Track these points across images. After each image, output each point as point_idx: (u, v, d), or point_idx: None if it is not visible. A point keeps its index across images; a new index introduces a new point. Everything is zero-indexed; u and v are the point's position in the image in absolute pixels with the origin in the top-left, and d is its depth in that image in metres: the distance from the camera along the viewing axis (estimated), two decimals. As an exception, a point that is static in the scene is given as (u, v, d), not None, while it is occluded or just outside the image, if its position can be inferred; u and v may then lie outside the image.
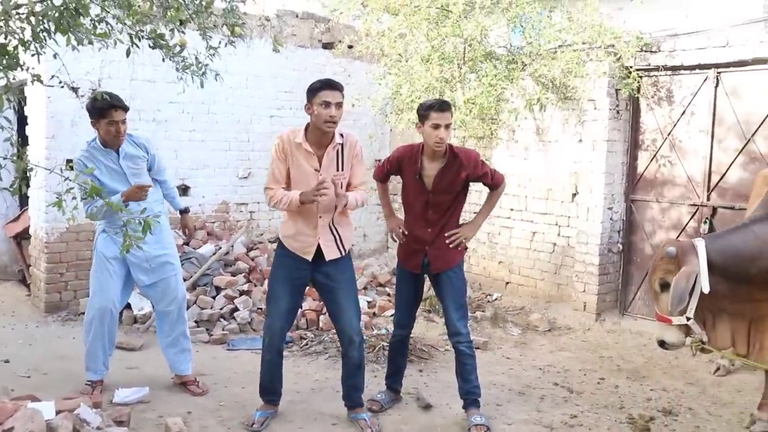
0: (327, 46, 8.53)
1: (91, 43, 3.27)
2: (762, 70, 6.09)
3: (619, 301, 7.28)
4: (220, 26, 3.88)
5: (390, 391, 4.71)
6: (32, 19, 2.91)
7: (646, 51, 6.70)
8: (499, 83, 6.67)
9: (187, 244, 7.19)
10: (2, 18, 2.46)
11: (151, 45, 3.65)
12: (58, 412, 3.59)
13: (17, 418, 3.31)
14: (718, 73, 6.42)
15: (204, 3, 3.60)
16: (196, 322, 6.24)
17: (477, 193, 7.15)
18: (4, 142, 3.12)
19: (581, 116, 7.20)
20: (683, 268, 3.97)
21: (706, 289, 3.93)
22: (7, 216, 7.96)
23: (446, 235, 4.31)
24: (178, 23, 3.51)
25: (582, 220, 7.22)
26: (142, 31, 3.57)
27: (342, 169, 4.07)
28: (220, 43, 4.04)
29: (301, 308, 6.47)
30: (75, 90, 3.81)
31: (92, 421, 3.66)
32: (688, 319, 4.04)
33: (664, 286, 4.09)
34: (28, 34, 3.02)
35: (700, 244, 4.04)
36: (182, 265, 6.68)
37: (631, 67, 6.70)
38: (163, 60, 3.75)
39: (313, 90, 3.97)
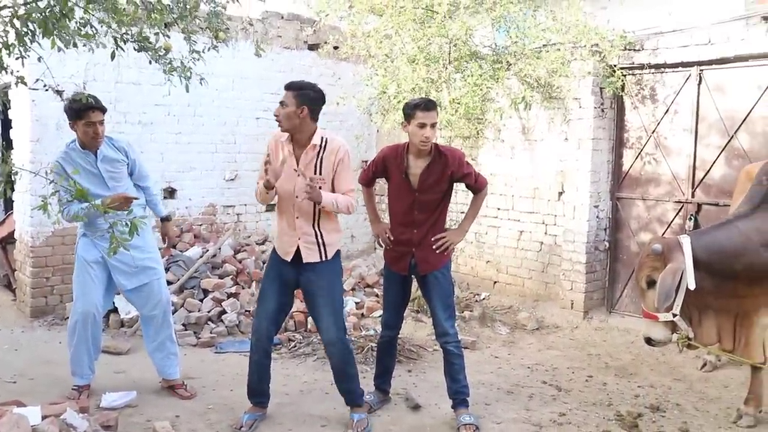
0: (313, 47, 8.53)
1: (75, 45, 3.26)
2: (744, 67, 6.15)
3: (607, 299, 7.32)
4: (205, 30, 3.87)
5: (379, 391, 4.71)
6: (16, 21, 2.89)
7: (629, 49, 6.75)
8: (484, 83, 6.68)
9: (174, 246, 7.17)
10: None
11: (137, 48, 3.64)
12: (44, 417, 3.57)
13: (3, 423, 3.28)
14: (700, 70, 6.47)
15: (188, 7, 3.59)
16: (183, 325, 6.23)
17: (464, 193, 7.17)
18: (-11, 145, 3.10)
19: (567, 115, 7.24)
20: (669, 265, 4.00)
21: (692, 286, 3.97)
22: (-8, 221, 7.90)
23: (433, 239, 4.32)
24: (163, 26, 3.50)
25: (568, 218, 7.26)
26: (127, 34, 3.56)
27: (320, 173, 4.03)
28: (204, 47, 4.03)
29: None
30: (59, 93, 3.79)
31: (79, 426, 3.64)
32: (675, 315, 4.08)
33: (651, 283, 4.13)
34: (12, 38, 3.01)
35: (686, 241, 4.09)
36: (169, 268, 6.69)
37: (615, 65, 6.75)
38: (150, 62, 3.74)
39: None
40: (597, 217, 7.17)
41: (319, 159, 4.05)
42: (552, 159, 7.50)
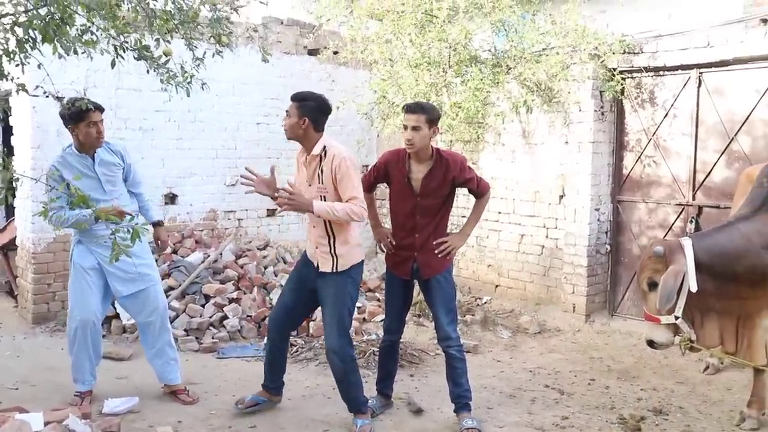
0: (312, 52, 8.53)
1: (76, 52, 3.26)
2: (743, 70, 6.15)
3: (608, 302, 7.31)
4: (207, 36, 3.87)
5: (381, 396, 4.70)
6: (17, 28, 2.90)
7: (629, 53, 6.75)
8: (484, 87, 6.69)
9: (175, 252, 7.17)
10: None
11: (136, 56, 3.63)
12: (46, 424, 3.57)
13: (5, 429, 3.28)
14: (700, 73, 6.47)
15: (190, 13, 3.59)
16: (185, 330, 6.22)
17: (465, 197, 7.17)
18: (-10, 152, 3.10)
19: (567, 119, 7.25)
20: (671, 267, 4.00)
21: (694, 288, 3.96)
22: (-7, 227, 7.90)
23: (435, 243, 4.32)
24: (165, 33, 3.50)
25: (569, 221, 7.25)
26: (127, 42, 3.56)
27: (322, 182, 4.09)
28: (205, 53, 4.03)
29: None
30: (60, 99, 3.78)
31: (82, 432, 3.64)
32: (677, 318, 4.07)
33: (652, 286, 4.12)
34: (12, 44, 3.01)
35: (687, 244, 4.08)
36: (171, 273, 6.69)
37: (614, 69, 6.75)
38: (148, 71, 3.74)
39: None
40: (598, 220, 7.16)
41: (320, 168, 4.09)
42: (552, 162, 7.50)
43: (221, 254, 7.21)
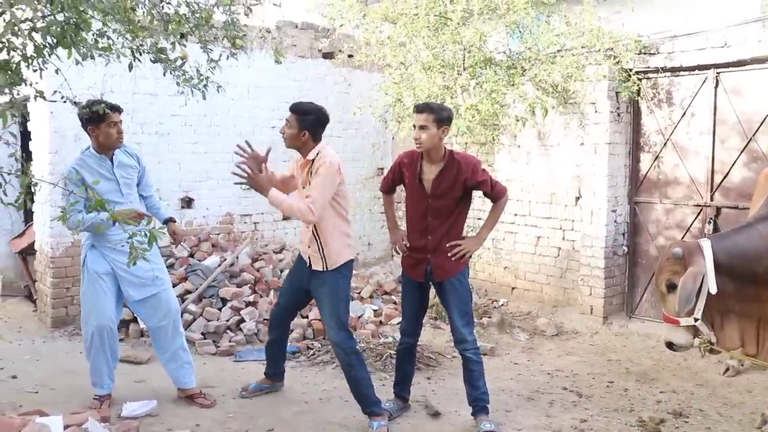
0: (327, 55, 8.54)
1: (92, 57, 3.27)
2: (761, 69, 6.08)
3: (626, 304, 7.25)
4: (221, 39, 3.88)
5: (398, 399, 4.69)
6: (34, 34, 2.91)
7: (645, 53, 6.70)
8: (499, 89, 6.67)
9: (191, 256, 7.19)
10: (8, 32, 2.45)
11: (153, 59, 3.65)
12: (66, 427, 3.57)
13: (26, 433, 3.29)
14: (717, 73, 6.41)
15: (204, 16, 3.60)
16: (202, 334, 6.23)
17: (480, 199, 7.14)
18: (9, 157, 3.12)
19: (582, 120, 7.20)
20: (690, 269, 3.94)
21: (714, 290, 3.91)
22: (12, 232, 7.98)
23: (448, 246, 4.30)
24: (179, 36, 3.51)
25: (586, 223, 7.20)
26: (143, 45, 3.57)
27: (311, 185, 4.27)
28: (221, 55, 4.04)
29: (307, 317, 6.46)
30: (77, 105, 3.80)
31: (101, 436, 3.64)
32: (696, 320, 4.01)
33: (671, 287, 4.07)
34: (30, 50, 3.02)
35: (706, 245, 4.02)
36: (187, 277, 6.71)
37: (630, 69, 6.71)
38: (164, 74, 3.75)
39: None
40: (615, 221, 7.11)
41: (310, 171, 4.28)
42: (568, 164, 7.45)
43: (237, 258, 7.22)
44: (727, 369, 5.62)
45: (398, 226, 4.66)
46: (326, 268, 4.32)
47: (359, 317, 6.77)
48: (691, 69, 6.53)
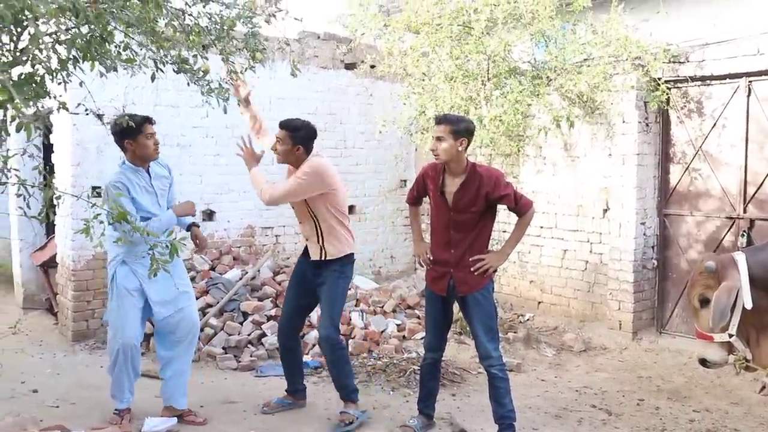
0: (349, 66, 8.58)
1: (115, 69, 3.31)
2: (796, 78, 6.01)
3: (656, 319, 7.16)
4: (242, 50, 3.91)
5: (423, 416, 4.65)
6: (58, 47, 2.95)
7: (674, 62, 6.65)
8: (524, 99, 6.65)
9: (212, 269, 7.22)
10: (34, 45, 2.48)
11: (176, 70, 3.68)
12: (87, 442, 3.60)
13: (47, 448, 3.32)
14: (749, 81, 6.34)
15: (225, 28, 3.63)
16: (223, 348, 6.25)
17: (505, 211, 7.10)
18: (33, 170, 3.15)
19: (610, 130, 7.15)
20: (724, 283, 3.89)
21: (749, 305, 3.84)
22: (34, 244, 8.05)
23: (471, 260, 4.27)
24: (201, 48, 3.54)
25: (614, 236, 7.13)
26: (166, 56, 3.60)
27: None
28: (242, 68, 4.07)
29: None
30: (100, 117, 3.84)
31: (122, 451, 3.66)
32: (731, 336, 3.95)
33: (704, 302, 4.01)
34: (54, 63, 3.06)
35: (741, 258, 3.96)
36: (209, 290, 6.74)
37: (659, 79, 6.65)
38: (188, 84, 3.78)
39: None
40: (644, 234, 7.04)
41: None
42: (596, 175, 7.39)
43: (259, 271, 7.24)
44: (764, 387, 5.51)
45: (423, 238, 4.65)
46: (324, 257, 4.61)
47: (382, 332, 6.74)
48: (723, 77, 6.46)
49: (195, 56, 3.64)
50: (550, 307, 7.95)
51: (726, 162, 6.60)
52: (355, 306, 7.13)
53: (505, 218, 7.12)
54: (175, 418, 4.59)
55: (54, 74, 3.08)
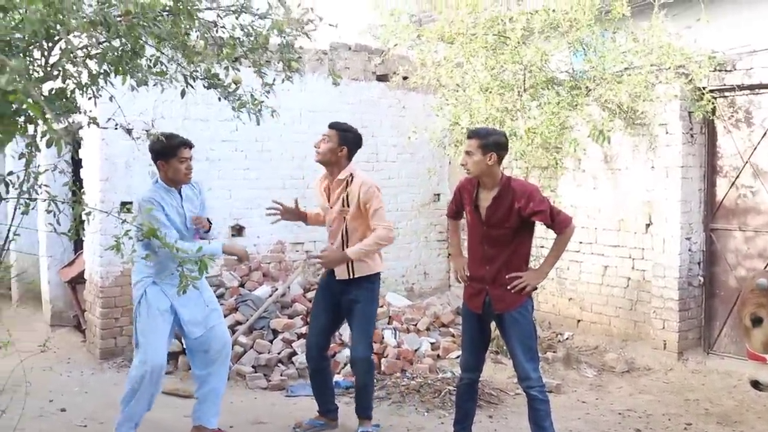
0: (381, 78, 8.61)
1: (146, 83, 3.36)
2: None
3: (703, 339, 7.02)
4: (276, 62, 3.93)
5: (459, 438, 4.61)
6: (89, 61, 3.00)
7: (720, 70, 6.56)
8: (562, 111, 6.60)
9: (242, 285, 7.26)
10: (65, 59, 2.53)
11: (206, 85, 3.72)
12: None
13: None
14: (801, 90, 6.23)
15: (260, 39, 3.66)
16: (253, 367, 6.26)
17: (541, 227, 7.05)
18: (63, 186, 3.21)
19: (652, 142, 7.06)
20: (777, 302, 3.81)
21: (804, 324, 3.76)
22: (62, 260, 8.16)
23: (508, 277, 4.22)
24: (233, 60, 3.57)
25: (658, 252, 7.03)
26: (197, 70, 3.64)
27: (347, 206, 4.71)
28: (275, 79, 4.09)
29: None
30: (129, 131, 3.89)
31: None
32: (785, 357, 3.87)
33: (756, 321, 3.94)
34: (85, 77, 3.12)
35: (794, 275, 3.88)
36: (238, 308, 6.77)
37: (704, 88, 6.56)
38: (219, 99, 3.82)
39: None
40: (689, 250, 6.92)
41: (345, 193, 4.71)
42: (638, 189, 7.30)
43: (289, 288, 7.26)
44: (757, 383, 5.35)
45: (461, 253, 4.63)
46: (352, 275, 4.70)
47: (415, 351, 6.71)
48: (772, 86, 6.36)
49: (226, 68, 3.68)
50: (591, 325, 7.84)
51: (776, 174, 6.48)
52: (388, 324, 7.11)
53: (542, 233, 7.05)
54: (205, 439, 4.59)
55: (84, 89, 3.14)
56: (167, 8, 3.12)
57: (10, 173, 3.12)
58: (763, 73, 6.29)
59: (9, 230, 3.33)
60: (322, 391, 5.02)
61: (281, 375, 6.21)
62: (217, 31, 3.52)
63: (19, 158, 3.02)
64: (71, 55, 2.72)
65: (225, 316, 6.65)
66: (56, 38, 2.76)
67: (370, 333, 4.81)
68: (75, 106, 3.04)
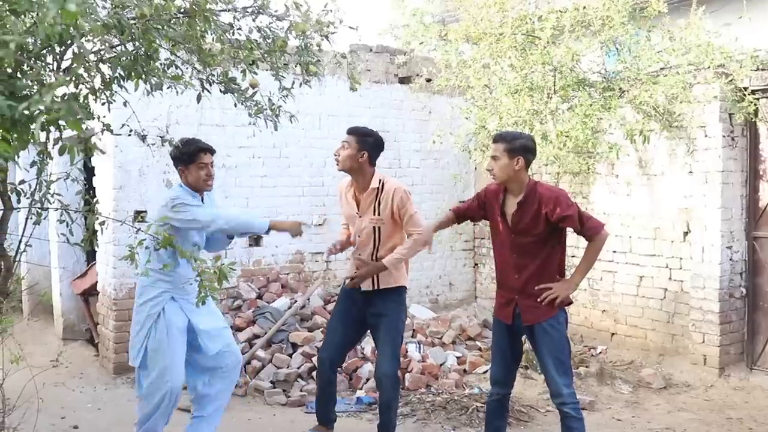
0: (404, 80, 8.61)
1: (161, 88, 3.38)
2: None
3: (746, 354, 6.92)
4: (294, 65, 3.94)
5: (488, 458, 4.57)
6: (102, 66, 3.03)
7: (762, 69, 6.48)
8: (594, 113, 6.56)
9: (260, 297, 7.27)
10: (79, 63, 2.55)
11: (222, 90, 3.74)
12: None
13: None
14: None
15: (278, 42, 3.67)
16: (272, 382, 6.26)
17: (573, 234, 7.00)
18: (76, 195, 3.23)
19: (690, 145, 6.99)
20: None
21: None
22: (75, 272, 8.20)
23: (537, 288, 4.19)
24: (250, 63, 3.59)
25: (696, 261, 6.95)
26: (213, 75, 3.66)
27: (378, 214, 4.67)
28: (293, 83, 4.10)
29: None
30: (143, 138, 3.92)
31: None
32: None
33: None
34: (98, 82, 3.14)
35: None
36: (255, 320, 6.81)
37: (745, 88, 6.49)
38: (235, 105, 3.83)
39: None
40: (730, 259, 6.83)
41: (377, 201, 4.68)
42: (675, 195, 7.23)
43: (309, 299, 7.27)
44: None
45: (437, 227, 4.65)
46: (377, 286, 4.68)
47: (441, 365, 6.68)
48: (818, 86, 6.28)
49: (243, 72, 3.69)
50: (625, 339, 7.76)
51: (823, 179, 6.39)
52: (412, 337, 7.09)
53: (573, 242, 7.00)
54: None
55: (97, 94, 3.16)
56: (182, 10, 3.14)
57: (22, 182, 3.16)
58: (809, 72, 6.22)
59: (20, 241, 3.36)
60: (329, 404, 4.94)
61: (301, 390, 6.20)
62: (233, 34, 3.54)
63: (31, 166, 3.05)
64: (85, 59, 2.74)
65: (242, 330, 6.73)
66: (69, 42, 2.79)
67: (398, 348, 4.73)
68: (88, 113, 3.06)
